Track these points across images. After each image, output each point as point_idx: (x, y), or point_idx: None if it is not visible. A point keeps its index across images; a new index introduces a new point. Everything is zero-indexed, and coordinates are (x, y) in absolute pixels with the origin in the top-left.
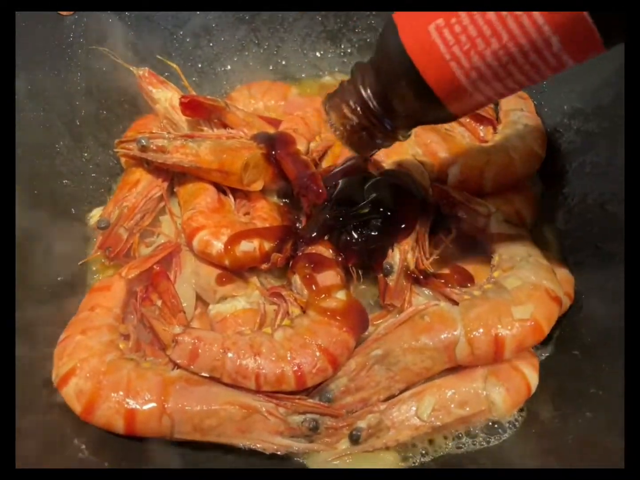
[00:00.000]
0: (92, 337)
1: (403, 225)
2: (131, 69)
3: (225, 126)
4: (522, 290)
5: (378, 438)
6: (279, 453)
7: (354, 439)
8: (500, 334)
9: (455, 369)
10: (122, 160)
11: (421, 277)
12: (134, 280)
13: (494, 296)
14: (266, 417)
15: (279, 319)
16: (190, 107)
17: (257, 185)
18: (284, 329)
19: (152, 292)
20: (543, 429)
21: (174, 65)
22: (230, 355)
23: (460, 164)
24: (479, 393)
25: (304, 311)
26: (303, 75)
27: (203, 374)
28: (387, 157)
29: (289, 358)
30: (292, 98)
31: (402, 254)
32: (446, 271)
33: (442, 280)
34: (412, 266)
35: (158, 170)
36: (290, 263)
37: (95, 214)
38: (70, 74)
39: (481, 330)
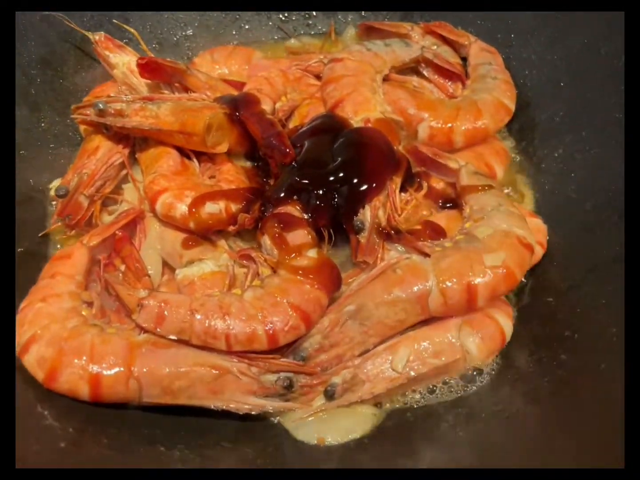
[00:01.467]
0: (52, 304)
1: (373, 183)
2: (87, 34)
3: (187, 90)
4: (494, 238)
5: (353, 392)
6: (253, 413)
7: (329, 395)
8: (472, 282)
9: (429, 320)
10: (82, 128)
11: (393, 233)
12: (96, 248)
13: (465, 246)
14: (238, 377)
15: (248, 279)
16: (149, 69)
17: (222, 148)
18: (254, 289)
19: (116, 257)
20: (519, 374)
21: (132, 30)
22: (198, 316)
23: (429, 120)
24: (453, 342)
25: (274, 271)
26: (266, 39)
27: (171, 337)
28: (355, 114)
29: (260, 317)
30: (256, 61)
31: (373, 211)
32: (418, 227)
33: (415, 236)
34: (383, 222)
35: (118, 136)
36: (260, 224)
37: (55, 185)
38: (23, 42)
39: (453, 279)
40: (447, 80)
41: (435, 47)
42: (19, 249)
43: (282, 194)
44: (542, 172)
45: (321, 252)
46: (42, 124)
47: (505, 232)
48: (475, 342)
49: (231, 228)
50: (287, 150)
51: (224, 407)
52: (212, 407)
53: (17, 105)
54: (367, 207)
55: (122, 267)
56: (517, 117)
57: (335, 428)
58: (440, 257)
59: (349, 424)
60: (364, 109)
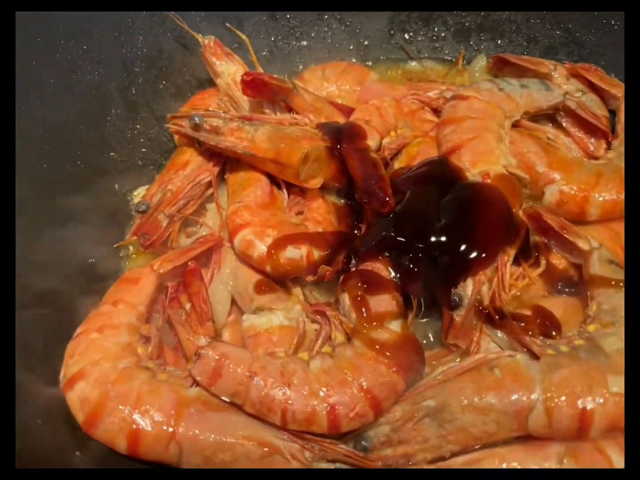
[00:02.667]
0: (108, 337)
1: (482, 253)
2: (197, 36)
3: (290, 110)
4: (624, 356)
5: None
6: None
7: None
8: (588, 408)
9: (524, 438)
10: (176, 137)
11: (496, 316)
12: (166, 275)
13: (586, 357)
14: (288, 460)
15: (319, 343)
16: (253, 85)
17: (316, 182)
18: (322, 358)
19: (182, 292)
20: None
21: (244, 37)
22: (256, 381)
23: (560, 183)
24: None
25: (348, 339)
26: (386, 59)
27: (223, 398)
28: (474, 165)
29: (323, 395)
30: (369, 84)
31: (476, 286)
32: (528, 313)
33: (522, 324)
34: (486, 301)
35: (210, 153)
36: (341, 278)
37: (141, 193)
38: (130, 36)
39: (565, 398)
40: (589, 137)
41: (580, 94)
42: (90, 260)
43: (372, 249)
44: None
45: (406, 326)
46: (137, 126)
47: None
48: None
49: (310, 278)
50: (387, 199)
51: None
52: None
53: (114, 103)
54: (469, 280)
55: (187, 305)
56: None
57: None
58: (552, 365)
59: None
60: (485, 160)
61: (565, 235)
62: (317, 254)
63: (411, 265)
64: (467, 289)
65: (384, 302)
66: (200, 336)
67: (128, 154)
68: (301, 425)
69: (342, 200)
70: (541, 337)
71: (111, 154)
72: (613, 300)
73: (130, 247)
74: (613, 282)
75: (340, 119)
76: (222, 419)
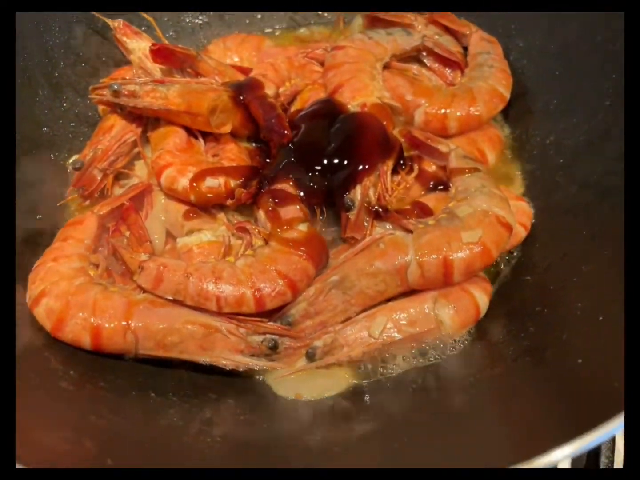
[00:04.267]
0: (62, 264)
1: (365, 165)
2: (107, 20)
3: (198, 75)
4: (473, 217)
5: (332, 355)
6: (239, 369)
7: (310, 356)
8: (449, 257)
9: (409, 293)
10: (100, 108)
11: (382, 211)
12: (105, 216)
13: (446, 224)
14: (227, 336)
15: (241, 249)
16: (161, 54)
17: (226, 128)
18: (245, 258)
19: (122, 225)
20: (489, 345)
21: (149, 18)
22: (192, 279)
23: (425, 106)
24: (428, 313)
25: (267, 243)
26: (278, 29)
27: (167, 297)
28: (353, 99)
29: (249, 283)
30: (266, 49)
31: (363, 190)
32: (407, 207)
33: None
34: (373, 202)
35: (132, 116)
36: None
37: (73, 159)
38: (47, 26)
39: (432, 254)
40: (447, 69)
41: (437, 36)
42: (38, 216)
43: (278, 173)
44: (533, 158)
45: (311, 226)
46: (64, 104)
47: (484, 211)
48: (450, 314)
49: (229, 202)
50: (285, 131)
51: (213, 362)
52: (202, 361)
53: (40, 86)
54: (358, 187)
55: (128, 234)
56: (513, 105)
57: (312, 386)
58: (421, 234)
59: (325, 384)
60: (362, 94)
61: (430, 144)
62: (233, 182)
63: (310, 183)
64: (357, 193)
65: (291, 210)
66: (141, 253)
67: (58, 128)
68: (233, 308)
69: (253, 144)
70: (415, 219)
71: (43, 129)
72: (465, 183)
73: (72, 206)
74: (466, 170)
75: (241, 78)
76: (167, 311)
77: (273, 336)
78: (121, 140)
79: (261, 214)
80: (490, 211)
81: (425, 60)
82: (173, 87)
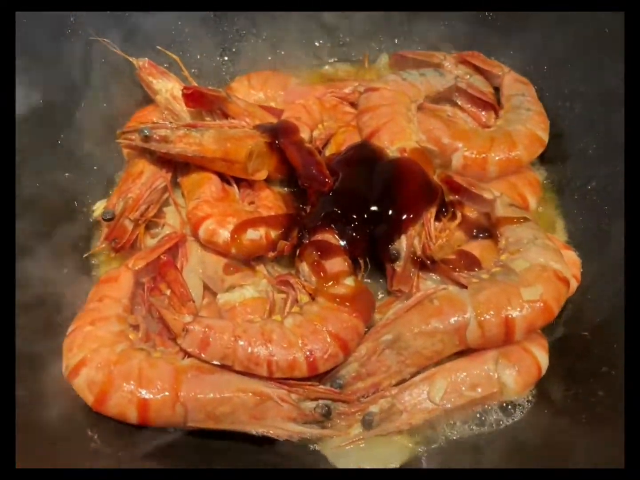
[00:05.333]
0: (101, 328)
1: (409, 213)
2: (131, 59)
3: (227, 117)
4: (531, 272)
5: (391, 422)
6: (292, 439)
7: (367, 424)
8: (510, 316)
9: (466, 352)
10: (124, 151)
11: (428, 262)
12: (141, 271)
13: (502, 279)
14: (279, 404)
15: (288, 306)
16: (193, 98)
17: (262, 175)
18: (293, 316)
19: (161, 282)
20: (555, 408)
21: (174, 56)
22: (241, 342)
23: (463, 150)
24: (490, 375)
25: (312, 298)
26: (301, 65)
27: (214, 363)
28: (392, 143)
29: (300, 344)
30: (291, 87)
31: (408, 240)
32: (453, 257)
33: (450, 266)
34: (418, 251)
35: (161, 161)
36: (298, 251)
37: (99, 207)
38: (69, 66)
39: (491, 312)
40: (480, 110)
41: (468, 76)
42: (65, 270)
43: (320, 222)
44: (574, 203)
45: (357, 280)
46: (85, 146)
47: (542, 265)
48: (512, 375)
49: (270, 254)
50: (326, 179)
51: (265, 432)
52: (254, 432)
53: (62, 127)
54: (402, 237)
55: (168, 292)
56: (549, 148)
57: (373, 457)
58: (477, 289)
59: (386, 454)
60: (400, 138)
61: (473, 190)
62: (273, 233)
63: (353, 233)
64: (402, 243)
65: (336, 264)
66: (184, 314)
67: (81, 173)
68: (285, 373)
69: (286, 189)
70: (466, 272)
71: (66, 174)
72: (516, 233)
73: (96, 258)
74: (515, 220)
75: (272, 120)
76: (216, 378)
77: (326, 402)
78: (152, 187)
79: (304, 267)
80: (547, 265)
81: (458, 101)
82: (207, 132)
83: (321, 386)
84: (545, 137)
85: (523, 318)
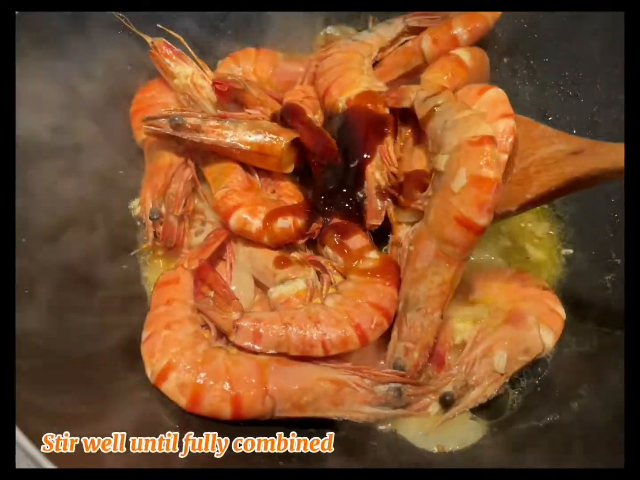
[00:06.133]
0: (178, 331)
1: (362, 155)
2: (145, 37)
3: (241, 104)
4: (453, 161)
5: (466, 398)
6: (369, 421)
7: (447, 403)
8: (459, 215)
9: (509, 320)
10: (139, 140)
11: (396, 194)
12: (195, 271)
13: (438, 185)
14: (355, 389)
15: (324, 288)
16: (227, 93)
17: (290, 168)
18: (333, 296)
19: (202, 286)
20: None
21: (180, 37)
22: (292, 329)
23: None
24: (536, 338)
25: (344, 277)
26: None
27: (270, 352)
28: (340, 94)
29: (347, 320)
30: (281, 66)
31: (369, 178)
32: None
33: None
34: (383, 183)
35: (183, 150)
36: (319, 237)
37: (136, 205)
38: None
39: (445, 222)
40: None
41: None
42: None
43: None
44: None
45: (379, 252)
46: None
47: (456, 147)
48: (550, 335)
49: (301, 241)
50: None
51: (344, 417)
52: (334, 417)
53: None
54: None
55: (212, 294)
56: None
57: (452, 436)
58: (428, 212)
59: (461, 432)
60: (349, 88)
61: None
62: (300, 221)
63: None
64: (365, 184)
65: (357, 241)
66: (232, 312)
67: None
68: (340, 349)
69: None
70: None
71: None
72: (432, 129)
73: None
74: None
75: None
76: (297, 370)
77: (396, 385)
78: (184, 179)
79: (328, 249)
80: (459, 143)
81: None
82: (241, 124)
83: (388, 369)
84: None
85: (467, 207)
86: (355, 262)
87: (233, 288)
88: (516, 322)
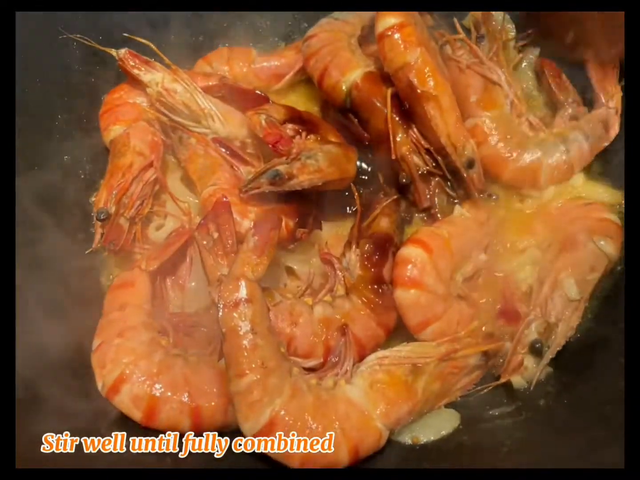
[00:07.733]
0: (131, 339)
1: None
2: (110, 51)
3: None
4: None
5: (555, 337)
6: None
7: (537, 350)
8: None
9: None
10: (107, 140)
11: (439, 172)
12: (155, 272)
13: None
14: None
15: (322, 293)
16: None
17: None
18: (324, 306)
19: (211, 221)
20: None
21: (149, 44)
22: (270, 313)
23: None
24: (597, 252)
25: (347, 292)
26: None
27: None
28: (343, 75)
29: (321, 342)
30: (260, 63)
31: (409, 162)
32: None
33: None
34: (422, 165)
35: (149, 149)
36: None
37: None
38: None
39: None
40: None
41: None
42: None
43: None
44: None
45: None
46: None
47: None
48: (610, 243)
49: (291, 247)
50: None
51: None
52: None
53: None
54: (401, 163)
55: (215, 235)
56: None
57: (426, 428)
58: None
59: (437, 422)
60: (349, 68)
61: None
62: (291, 222)
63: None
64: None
65: (389, 270)
66: (224, 266)
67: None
68: (300, 356)
69: None
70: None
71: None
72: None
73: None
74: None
75: None
76: None
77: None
78: (145, 181)
79: (353, 255)
80: None
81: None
82: (317, 155)
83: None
84: None
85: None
86: (369, 287)
87: (192, 284)
88: (571, 246)
